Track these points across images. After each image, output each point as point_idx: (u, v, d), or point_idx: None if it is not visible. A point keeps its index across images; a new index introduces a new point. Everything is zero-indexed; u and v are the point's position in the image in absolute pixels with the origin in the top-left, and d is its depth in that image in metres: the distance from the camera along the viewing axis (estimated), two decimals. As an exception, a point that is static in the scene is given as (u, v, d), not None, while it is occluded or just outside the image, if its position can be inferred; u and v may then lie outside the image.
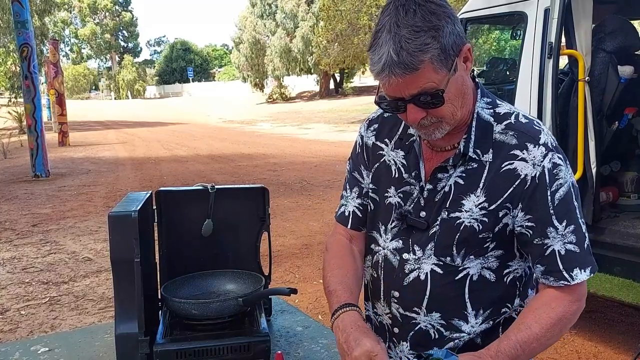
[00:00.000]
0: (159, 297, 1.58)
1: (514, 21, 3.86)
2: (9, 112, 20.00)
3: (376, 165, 1.34)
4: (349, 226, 1.39)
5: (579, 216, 1.17)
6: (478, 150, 1.19)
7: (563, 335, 1.22)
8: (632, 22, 3.66)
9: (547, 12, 3.22)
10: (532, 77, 3.32)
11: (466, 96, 1.19)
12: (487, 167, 1.18)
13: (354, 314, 1.21)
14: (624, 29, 3.45)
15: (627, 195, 3.74)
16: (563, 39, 3.32)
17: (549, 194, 1.15)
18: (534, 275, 1.23)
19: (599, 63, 3.39)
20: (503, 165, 1.17)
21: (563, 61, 3.47)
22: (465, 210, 1.19)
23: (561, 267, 1.15)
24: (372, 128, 1.37)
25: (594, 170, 3.24)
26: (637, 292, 3.35)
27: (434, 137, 1.18)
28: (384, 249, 1.31)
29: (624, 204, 3.71)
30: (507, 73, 4.24)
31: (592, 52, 3.27)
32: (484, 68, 4.79)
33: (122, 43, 71.64)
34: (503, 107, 1.24)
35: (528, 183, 1.15)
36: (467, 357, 1.12)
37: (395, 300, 1.28)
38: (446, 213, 1.20)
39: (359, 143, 1.40)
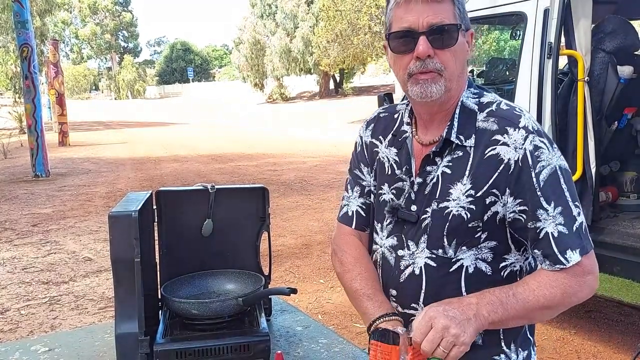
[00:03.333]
0: (159, 296, 1.59)
1: (514, 21, 3.86)
2: (9, 112, 20.00)
3: (375, 163, 1.36)
4: (353, 226, 1.38)
5: (569, 198, 1.15)
6: (461, 136, 1.20)
7: (568, 317, 1.19)
8: (632, 22, 3.65)
9: (546, 12, 3.22)
10: (531, 77, 3.32)
11: (463, 74, 1.23)
12: (471, 155, 1.19)
13: (399, 324, 1.21)
14: (623, 29, 3.44)
15: (626, 195, 3.74)
16: (563, 39, 3.32)
17: (533, 176, 1.14)
18: (536, 262, 1.22)
19: (598, 63, 3.39)
20: (487, 152, 1.17)
21: (563, 61, 3.47)
22: (453, 199, 1.19)
23: (555, 249, 1.13)
24: (369, 127, 1.39)
25: (593, 170, 3.24)
26: (637, 292, 3.35)
27: (430, 92, 1.17)
28: (381, 247, 1.31)
29: (624, 204, 3.71)
30: (507, 73, 4.24)
31: (591, 52, 3.27)
32: (484, 68, 4.78)
33: (122, 43, 71.66)
34: (487, 97, 1.25)
35: (512, 167, 1.15)
36: (433, 306, 1.11)
37: (394, 299, 1.28)
38: (436, 204, 1.21)
39: (359, 142, 1.41)
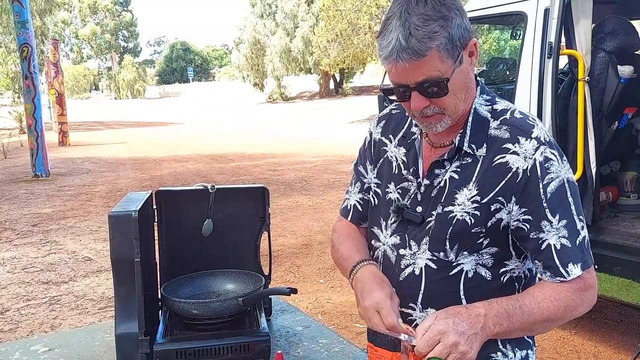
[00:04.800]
0: (159, 296, 1.59)
1: (514, 21, 3.86)
2: (9, 112, 20.02)
3: (380, 161, 1.36)
4: (349, 219, 1.43)
5: (574, 212, 1.15)
6: (473, 145, 1.20)
7: (567, 322, 1.19)
8: (632, 22, 3.65)
9: (547, 11, 3.22)
10: (532, 77, 3.32)
11: (469, 90, 1.21)
12: (480, 161, 1.19)
13: (372, 267, 1.27)
14: (623, 28, 3.44)
15: (626, 195, 3.74)
16: (563, 39, 3.32)
17: (541, 187, 1.14)
18: (537, 272, 1.23)
19: (598, 63, 3.39)
20: (495, 159, 1.18)
21: (563, 61, 3.47)
22: (458, 204, 1.19)
23: (557, 262, 1.14)
24: (380, 124, 1.40)
25: (593, 170, 3.24)
26: (637, 292, 3.36)
27: (436, 129, 1.19)
28: (384, 244, 1.32)
29: (624, 204, 3.71)
30: (507, 73, 4.24)
31: (591, 52, 3.27)
32: (484, 68, 4.78)
33: (122, 43, 71.67)
34: (501, 104, 1.25)
35: (520, 176, 1.15)
36: (442, 318, 1.10)
37: None
38: (441, 207, 1.21)
39: (368, 139, 1.42)
